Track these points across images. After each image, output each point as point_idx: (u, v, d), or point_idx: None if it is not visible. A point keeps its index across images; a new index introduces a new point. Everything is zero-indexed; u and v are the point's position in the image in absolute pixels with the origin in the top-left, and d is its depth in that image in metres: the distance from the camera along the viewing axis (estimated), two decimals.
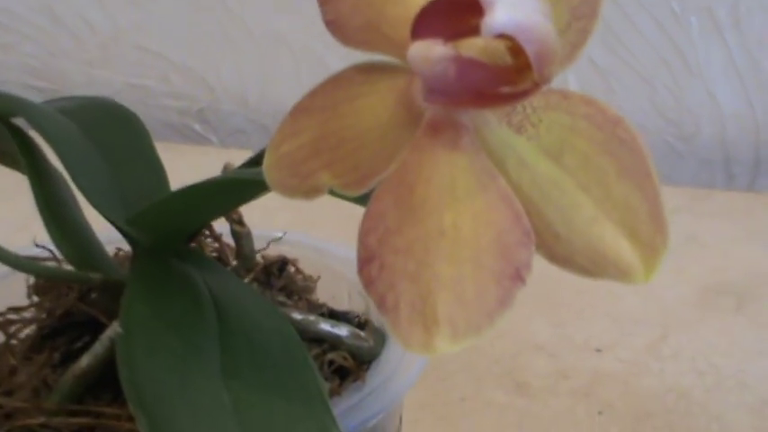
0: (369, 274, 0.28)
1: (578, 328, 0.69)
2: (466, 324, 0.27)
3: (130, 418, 0.35)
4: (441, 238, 0.28)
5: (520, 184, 0.28)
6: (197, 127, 1.06)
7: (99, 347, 0.42)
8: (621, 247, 0.28)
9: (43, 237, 0.45)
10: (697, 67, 0.93)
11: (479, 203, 0.28)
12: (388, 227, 0.28)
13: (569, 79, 0.94)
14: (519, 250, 0.27)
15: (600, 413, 0.59)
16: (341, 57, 0.98)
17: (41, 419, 0.40)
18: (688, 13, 0.91)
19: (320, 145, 0.30)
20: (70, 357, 0.43)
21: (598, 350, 0.67)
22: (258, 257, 0.49)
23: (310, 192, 0.30)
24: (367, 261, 0.28)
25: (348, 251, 0.52)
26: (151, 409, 0.34)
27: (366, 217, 0.28)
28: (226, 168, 0.47)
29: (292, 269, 0.50)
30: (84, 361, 0.42)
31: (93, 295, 0.45)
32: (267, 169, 0.31)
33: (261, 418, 0.35)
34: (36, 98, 1.01)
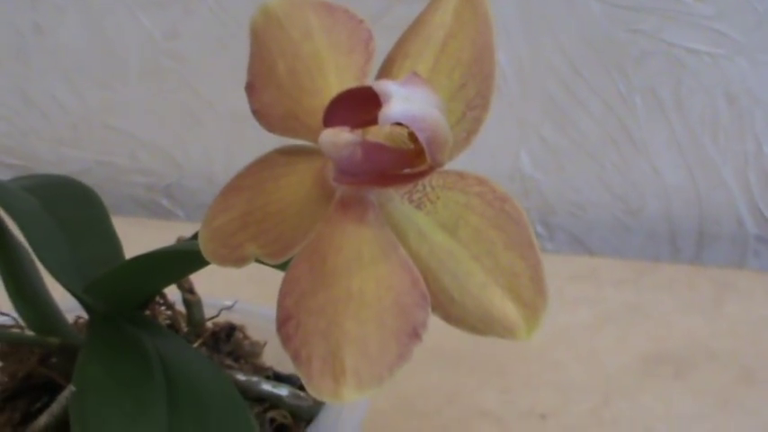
0: (286, 332, 0.31)
1: (524, 395, 0.72)
2: (369, 375, 0.30)
3: None
4: (348, 301, 0.31)
5: (419, 254, 0.32)
6: (164, 202, 1.08)
7: (56, 407, 0.45)
8: (508, 309, 0.32)
9: (5, 304, 0.48)
10: (642, 144, 0.95)
11: (382, 270, 0.31)
12: (303, 290, 0.32)
13: (522, 156, 0.97)
14: (416, 311, 0.31)
15: None
16: None
17: None
18: (633, 94, 0.94)
19: (247, 219, 0.34)
20: (30, 417, 0.46)
21: (543, 416, 0.69)
22: (209, 324, 0.52)
23: (239, 261, 0.34)
24: (285, 320, 0.32)
25: None
26: None
27: (285, 281, 0.32)
28: (178, 241, 0.50)
29: (240, 335, 0.53)
30: (43, 420, 0.45)
31: (53, 359, 0.48)
32: (202, 241, 0.35)
33: None
34: (7, 175, 1.04)
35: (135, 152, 1.08)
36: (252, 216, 0.34)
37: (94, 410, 0.39)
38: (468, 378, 0.73)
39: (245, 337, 0.53)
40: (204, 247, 0.34)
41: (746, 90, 0.91)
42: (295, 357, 0.31)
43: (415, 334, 0.31)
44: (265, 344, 0.54)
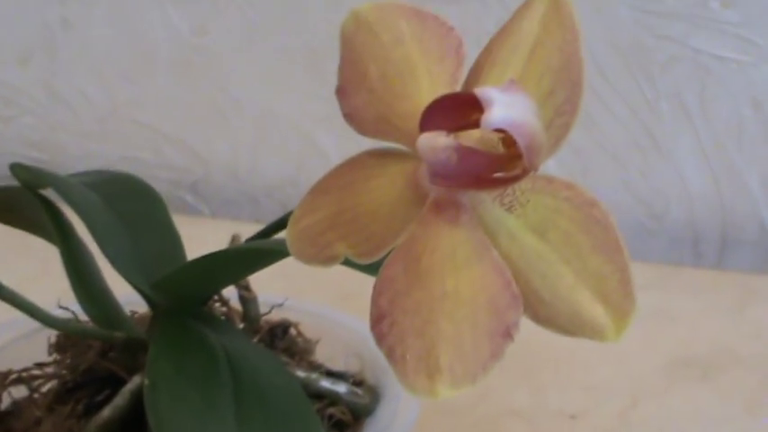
0: (380, 331, 0.32)
1: (554, 396, 0.73)
2: (464, 373, 0.31)
3: None
4: (443, 300, 0.32)
5: (510, 256, 0.33)
6: (189, 198, 1.09)
7: (120, 400, 0.46)
8: (596, 311, 0.33)
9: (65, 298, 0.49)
10: (667, 149, 0.96)
11: (476, 271, 0.32)
12: (397, 290, 0.32)
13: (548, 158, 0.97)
14: (509, 312, 0.32)
15: None
16: (326, 133, 1.02)
17: None
18: (659, 100, 0.95)
19: (336, 219, 0.35)
20: (92, 409, 0.47)
21: (572, 417, 0.70)
22: (262, 321, 0.53)
23: (327, 260, 0.35)
24: (379, 319, 0.32)
25: (344, 317, 0.56)
26: None
27: (378, 281, 0.33)
28: (234, 240, 0.51)
29: (294, 332, 0.54)
30: (107, 412, 0.45)
31: (112, 353, 0.49)
32: (290, 240, 0.35)
33: None
34: None
35: (161, 148, 1.08)
36: (342, 216, 0.34)
37: (167, 405, 0.40)
38: (499, 378, 0.73)
39: (299, 334, 0.54)
40: (292, 245, 0.35)
41: None
42: (389, 355, 0.32)
43: (508, 334, 0.32)
44: (318, 341, 0.54)
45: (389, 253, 0.33)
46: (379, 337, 0.32)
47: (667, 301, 0.87)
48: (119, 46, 1.06)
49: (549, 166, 0.98)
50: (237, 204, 1.07)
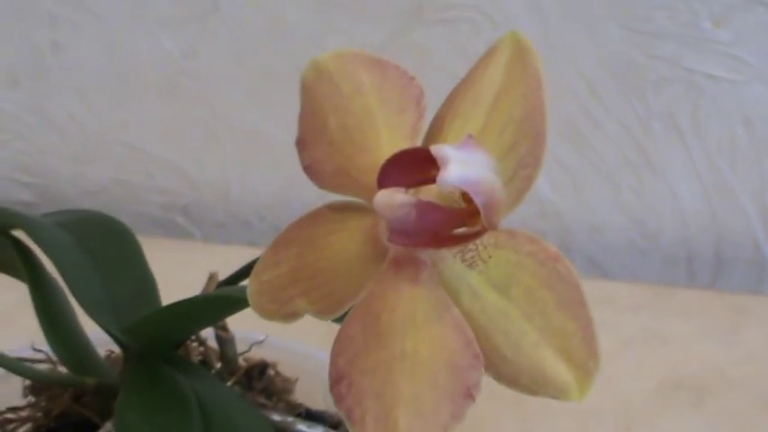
0: (339, 392, 0.32)
1: (543, 424, 0.72)
2: None
3: None
4: (402, 361, 0.31)
5: (472, 312, 0.32)
6: (180, 221, 1.09)
7: None
8: (560, 370, 0.32)
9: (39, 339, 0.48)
10: (660, 169, 0.96)
11: (435, 330, 0.31)
12: (356, 350, 0.32)
13: (540, 179, 0.97)
14: (469, 372, 0.31)
15: None
16: None
17: None
18: (652, 118, 0.94)
19: (297, 275, 0.34)
20: None
21: None
22: (241, 360, 0.53)
23: (288, 316, 0.34)
24: (338, 380, 0.32)
25: (324, 355, 0.56)
26: None
27: (337, 340, 0.32)
28: (211, 279, 0.51)
29: (272, 372, 0.53)
30: None
31: (86, 398, 0.49)
32: (251, 295, 0.35)
33: None
34: (24, 193, 1.04)
35: (151, 171, 1.08)
36: (302, 271, 0.34)
37: None
38: (486, 405, 0.73)
39: (278, 373, 0.53)
40: (253, 300, 0.35)
41: (764, 116, 0.92)
42: (348, 417, 0.31)
43: (469, 394, 0.31)
44: (296, 380, 0.54)
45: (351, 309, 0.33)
46: (338, 399, 0.32)
47: (659, 323, 0.86)
48: (108, 69, 1.06)
49: (542, 188, 0.98)
50: (229, 227, 1.07)
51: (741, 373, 0.78)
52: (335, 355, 0.32)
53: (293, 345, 0.56)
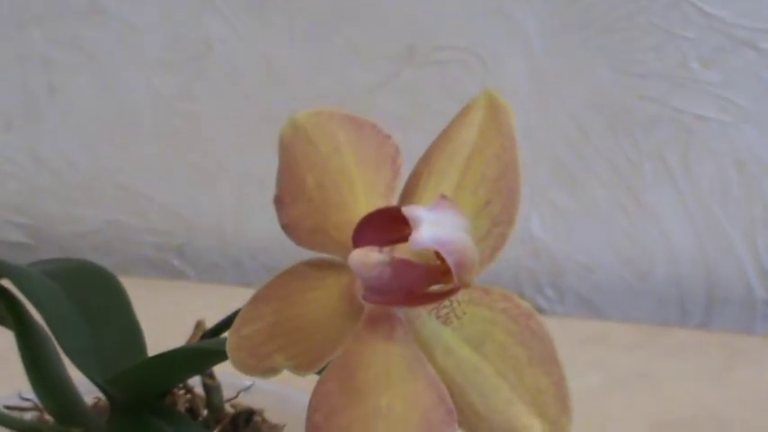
0: None
1: None
2: None
3: None
4: (377, 417, 0.32)
5: (446, 369, 0.33)
6: (175, 262, 1.09)
7: None
8: (533, 426, 0.32)
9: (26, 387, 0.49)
10: (651, 209, 0.96)
11: (410, 388, 0.32)
12: (332, 406, 0.32)
13: (532, 218, 0.98)
14: (443, 428, 0.32)
15: None
16: None
17: None
18: (642, 159, 0.95)
19: (275, 330, 0.34)
20: None
21: None
22: (228, 407, 0.53)
23: (267, 371, 0.35)
24: None
25: None
26: None
27: (314, 396, 0.32)
28: (198, 326, 0.51)
29: (258, 419, 0.53)
30: None
31: None
32: (230, 350, 0.35)
33: None
34: (17, 233, 1.04)
35: (146, 212, 1.08)
36: (280, 327, 0.34)
37: None
38: None
39: (264, 420, 0.54)
40: (232, 355, 0.35)
41: (755, 157, 0.92)
42: None
43: None
44: (284, 426, 0.54)
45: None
46: None
47: (652, 363, 0.86)
48: (104, 111, 1.06)
49: (534, 228, 0.98)
50: (223, 268, 1.07)
51: (732, 414, 0.79)
52: (312, 410, 0.32)
53: (281, 390, 0.56)
